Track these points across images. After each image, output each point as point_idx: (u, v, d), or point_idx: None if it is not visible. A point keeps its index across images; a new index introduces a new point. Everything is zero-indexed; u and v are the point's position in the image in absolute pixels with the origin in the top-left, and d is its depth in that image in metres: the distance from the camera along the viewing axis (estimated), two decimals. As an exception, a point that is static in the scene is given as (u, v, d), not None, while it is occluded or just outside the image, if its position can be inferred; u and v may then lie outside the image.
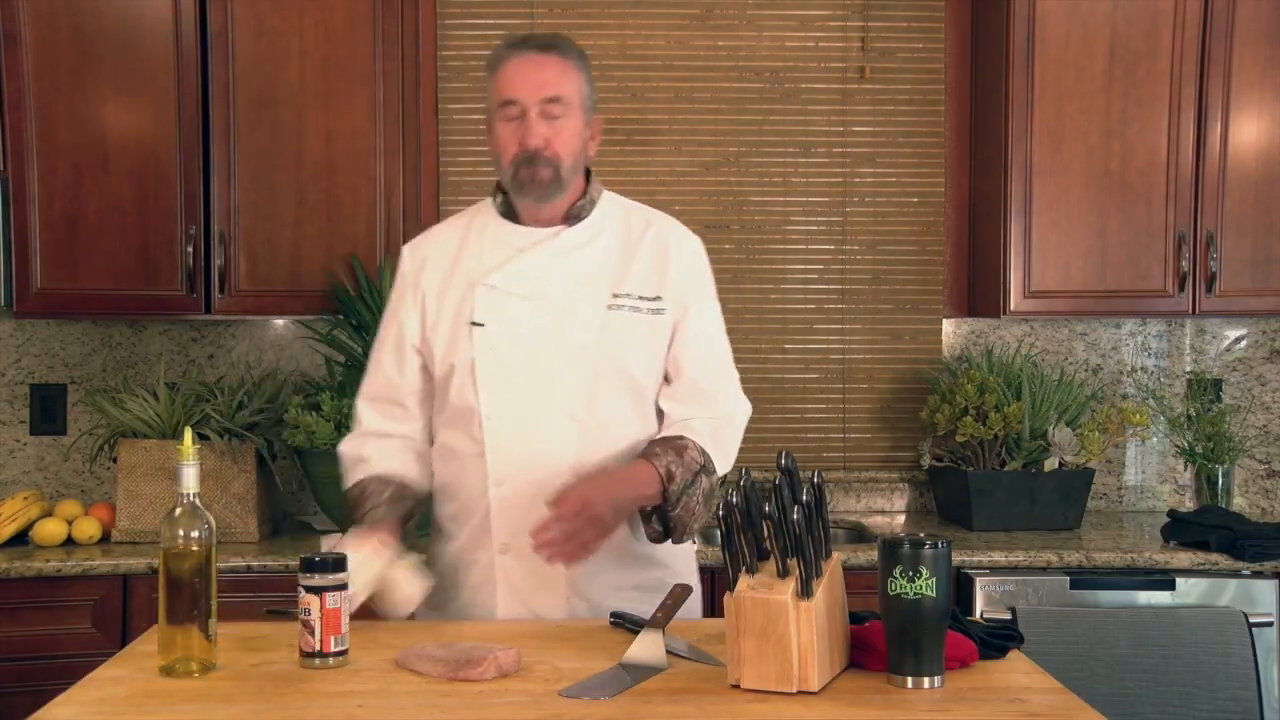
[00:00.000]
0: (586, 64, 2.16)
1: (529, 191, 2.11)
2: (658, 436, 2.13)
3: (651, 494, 2.04)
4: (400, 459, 2.19)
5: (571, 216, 2.16)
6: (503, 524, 2.10)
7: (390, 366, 2.21)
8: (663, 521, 2.09)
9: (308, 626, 1.74)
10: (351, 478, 2.20)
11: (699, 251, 2.22)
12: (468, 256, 2.18)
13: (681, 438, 2.10)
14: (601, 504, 1.95)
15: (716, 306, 2.23)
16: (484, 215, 2.22)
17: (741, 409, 2.22)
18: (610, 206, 2.21)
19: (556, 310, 2.11)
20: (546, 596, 2.11)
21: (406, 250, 2.25)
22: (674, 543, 2.13)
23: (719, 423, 2.15)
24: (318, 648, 1.74)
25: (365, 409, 2.25)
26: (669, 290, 2.15)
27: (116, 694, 1.64)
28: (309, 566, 1.74)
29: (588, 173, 2.21)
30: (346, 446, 2.24)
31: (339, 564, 1.75)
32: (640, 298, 2.13)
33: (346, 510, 2.20)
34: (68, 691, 1.65)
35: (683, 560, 2.23)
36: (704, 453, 2.10)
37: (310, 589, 1.73)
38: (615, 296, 2.13)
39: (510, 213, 2.18)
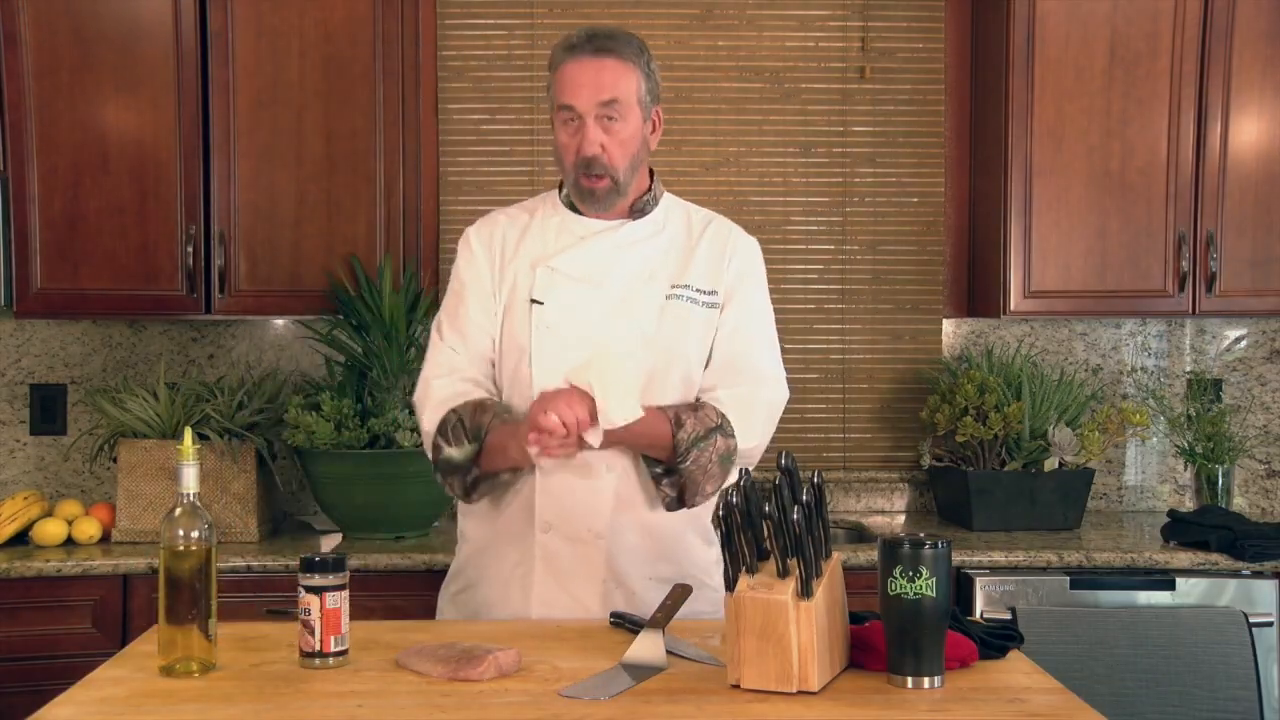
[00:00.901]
0: (645, 57, 2.17)
1: (590, 202, 2.16)
2: None
3: (658, 436, 2.05)
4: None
5: (635, 211, 2.21)
6: (547, 503, 2.11)
7: (470, 338, 2.18)
8: (674, 485, 2.09)
9: (308, 626, 1.74)
10: (451, 405, 2.11)
11: (755, 251, 2.27)
12: (530, 240, 2.22)
13: (700, 401, 2.13)
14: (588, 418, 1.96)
15: (764, 298, 2.26)
16: (549, 204, 2.26)
17: (775, 390, 2.21)
18: (673, 206, 2.27)
19: (616, 298, 2.15)
20: (583, 579, 2.12)
21: (472, 231, 2.27)
22: (687, 506, 2.12)
23: (743, 395, 2.15)
24: (318, 648, 1.74)
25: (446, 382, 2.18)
26: (724, 286, 2.20)
27: (116, 694, 1.64)
28: (309, 566, 1.74)
29: (651, 172, 2.25)
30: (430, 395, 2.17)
31: (338, 564, 1.75)
32: (698, 290, 2.18)
33: (457, 426, 2.08)
34: (68, 691, 1.65)
35: (709, 560, 2.23)
36: (722, 415, 2.10)
37: (310, 589, 1.73)
38: (674, 287, 2.17)
39: (575, 204, 2.22)
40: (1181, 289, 3.28)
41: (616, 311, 2.14)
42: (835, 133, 3.58)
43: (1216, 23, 3.25)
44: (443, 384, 2.16)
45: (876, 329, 3.59)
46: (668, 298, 2.16)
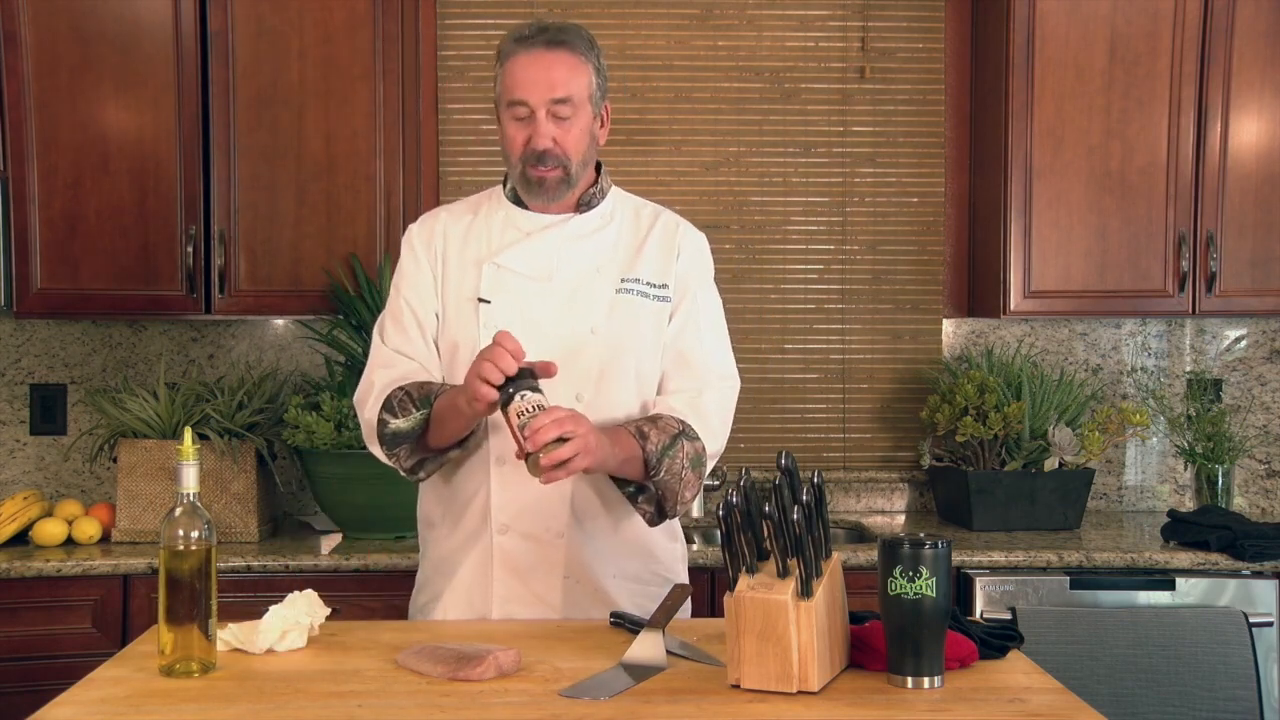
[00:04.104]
0: (595, 51, 2.15)
1: (538, 193, 2.13)
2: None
3: (629, 454, 2.01)
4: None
5: (582, 205, 2.19)
6: (503, 504, 2.09)
7: (413, 336, 2.15)
8: (651, 500, 2.08)
9: (517, 431, 1.83)
10: (391, 385, 2.08)
11: (703, 246, 2.26)
12: (476, 237, 2.19)
13: (656, 413, 2.11)
14: (591, 435, 1.89)
15: (713, 293, 2.24)
16: (493, 200, 2.23)
17: (724, 387, 2.18)
18: (620, 199, 2.25)
19: (565, 293, 2.13)
20: (544, 577, 2.11)
21: (416, 226, 2.24)
22: (669, 516, 2.11)
23: (693, 397, 2.14)
24: (529, 449, 1.82)
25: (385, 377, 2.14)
26: (674, 280, 2.18)
27: (116, 694, 1.64)
28: (507, 382, 1.87)
29: (598, 164, 2.23)
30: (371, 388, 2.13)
31: (527, 371, 1.88)
32: (648, 283, 2.16)
33: (405, 399, 2.04)
34: (68, 691, 1.65)
35: (674, 556, 2.24)
36: (681, 420, 2.08)
37: (505, 401, 1.85)
38: (624, 281, 2.15)
39: (521, 199, 2.19)
40: (1181, 289, 3.28)
41: (565, 306, 2.12)
42: (835, 133, 3.58)
43: (1216, 23, 3.25)
44: (385, 373, 2.12)
45: (876, 329, 3.59)
46: (618, 291, 2.14)
